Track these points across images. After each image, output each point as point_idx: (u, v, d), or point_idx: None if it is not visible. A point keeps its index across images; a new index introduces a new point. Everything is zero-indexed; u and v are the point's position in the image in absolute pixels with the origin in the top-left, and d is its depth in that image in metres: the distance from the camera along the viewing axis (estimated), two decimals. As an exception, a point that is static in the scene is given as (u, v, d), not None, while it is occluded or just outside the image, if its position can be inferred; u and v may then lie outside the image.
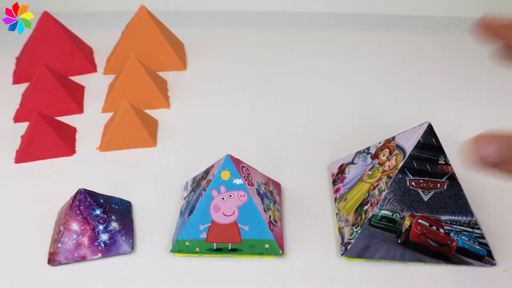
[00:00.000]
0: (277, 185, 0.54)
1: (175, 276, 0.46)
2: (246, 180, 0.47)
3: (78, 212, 0.46)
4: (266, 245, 0.47)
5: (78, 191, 0.46)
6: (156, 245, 0.48)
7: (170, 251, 0.47)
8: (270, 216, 0.48)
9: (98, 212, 0.46)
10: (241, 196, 0.46)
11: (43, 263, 0.47)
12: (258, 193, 0.48)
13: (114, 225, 0.47)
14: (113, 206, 0.48)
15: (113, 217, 0.47)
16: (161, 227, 0.50)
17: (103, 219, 0.46)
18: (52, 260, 0.46)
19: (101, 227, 0.46)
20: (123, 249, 0.47)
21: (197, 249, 0.47)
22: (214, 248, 0.47)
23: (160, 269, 0.46)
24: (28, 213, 0.52)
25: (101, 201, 0.47)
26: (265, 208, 0.48)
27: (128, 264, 0.47)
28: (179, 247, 0.47)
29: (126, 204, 0.51)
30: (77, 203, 0.46)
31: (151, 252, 0.48)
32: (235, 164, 0.47)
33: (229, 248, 0.47)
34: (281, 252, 0.47)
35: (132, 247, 0.47)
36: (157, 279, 0.46)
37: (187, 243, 0.47)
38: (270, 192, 0.51)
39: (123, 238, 0.47)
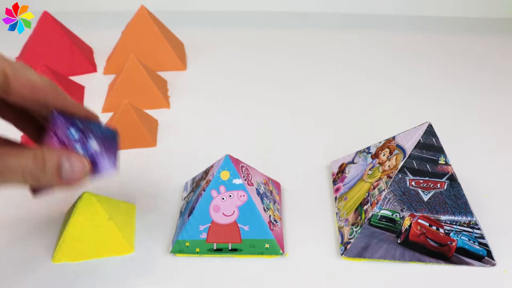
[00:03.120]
0: (277, 185, 0.54)
1: (175, 276, 0.46)
2: (245, 180, 0.47)
3: (52, 134, 0.41)
4: (266, 244, 0.47)
5: (51, 112, 0.42)
6: (156, 245, 0.48)
7: (170, 251, 0.47)
8: (270, 216, 0.48)
9: (73, 131, 0.42)
10: (240, 196, 0.46)
11: (47, 261, 0.47)
12: (258, 193, 0.48)
13: (93, 145, 0.42)
14: (92, 128, 0.43)
15: (91, 137, 0.42)
16: (161, 227, 0.50)
17: (80, 139, 0.42)
18: (33, 190, 0.42)
19: (78, 147, 0.41)
20: (105, 167, 0.42)
21: (197, 250, 0.47)
22: (214, 248, 0.47)
23: (160, 269, 0.46)
24: (28, 213, 0.52)
25: (78, 122, 0.43)
26: (265, 208, 0.48)
27: (128, 264, 0.47)
28: (179, 248, 0.47)
29: (112, 132, 0.45)
30: (51, 125, 0.41)
31: (151, 252, 0.48)
32: (235, 164, 0.47)
33: (229, 248, 0.47)
34: (281, 251, 0.47)
35: (116, 166, 0.42)
36: (157, 279, 0.46)
37: (187, 244, 0.47)
38: (270, 192, 0.51)
39: (104, 157, 0.42)
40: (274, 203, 0.50)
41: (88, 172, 0.41)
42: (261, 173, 0.52)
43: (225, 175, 0.46)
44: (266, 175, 0.53)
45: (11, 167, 0.38)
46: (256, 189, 0.48)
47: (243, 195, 0.46)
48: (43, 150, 0.40)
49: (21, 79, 0.39)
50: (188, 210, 0.48)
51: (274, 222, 0.48)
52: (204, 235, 0.47)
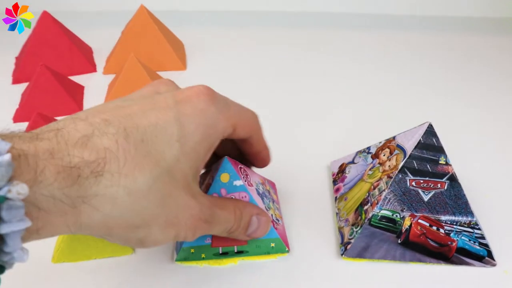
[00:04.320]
0: (272, 184, 0.53)
1: (176, 275, 0.46)
2: (245, 181, 0.47)
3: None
4: (272, 244, 0.46)
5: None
6: (158, 248, 0.48)
7: (175, 260, 0.46)
8: (272, 215, 0.48)
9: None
10: (242, 197, 0.46)
11: (47, 261, 0.47)
12: (258, 193, 0.48)
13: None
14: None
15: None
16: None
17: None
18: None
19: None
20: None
21: (203, 255, 0.46)
22: (220, 252, 0.46)
23: (161, 269, 0.46)
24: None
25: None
26: (266, 208, 0.48)
27: (128, 265, 0.47)
28: (184, 255, 0.46)
29: None
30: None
31: (151, 253, 0.48)
32: (234, 165, 0.47)
33: (235, 251, 0.46)
34: (287, 249, 0.47)
35: None
36: (158, 279, 0.45)
37: (192, 250, 0.46)
38: (268, 192, 0.50)
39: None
40: (273, 202, 0.50)
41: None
42: (257, 173, 0.51)
43: (225, 177, 0.46)
44: (262, 175, 0.52)
45: (221, 220, 0.40)
46: (256, 189, 0.48)
47: (245, 196, 0.46)
48: (241, 206, 0.42)
49: (243, 126, 0.41)
50: (188, 216, 0.48)
51: (277, 221, 0.48)
52: (208, 240, 0.46)
